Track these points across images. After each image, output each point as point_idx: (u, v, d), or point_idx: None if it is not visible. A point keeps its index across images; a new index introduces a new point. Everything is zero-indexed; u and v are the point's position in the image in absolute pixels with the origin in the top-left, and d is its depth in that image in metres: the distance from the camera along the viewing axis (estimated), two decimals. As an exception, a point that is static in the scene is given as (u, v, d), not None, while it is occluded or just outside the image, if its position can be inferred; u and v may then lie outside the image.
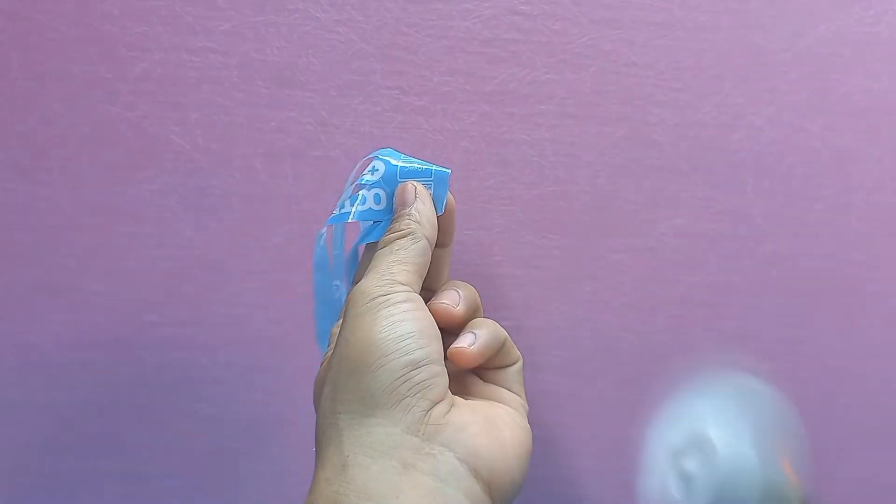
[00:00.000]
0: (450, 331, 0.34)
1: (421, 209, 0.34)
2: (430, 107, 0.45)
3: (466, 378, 0.35)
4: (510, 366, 0.35)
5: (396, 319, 0.30)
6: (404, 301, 0.31)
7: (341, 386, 0.30)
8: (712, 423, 0.27)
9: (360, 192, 0.35)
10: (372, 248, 0.35)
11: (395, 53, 0.45)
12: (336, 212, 0.35)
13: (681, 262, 0.46)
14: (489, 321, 0.35)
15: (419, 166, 0.35)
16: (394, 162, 0.35)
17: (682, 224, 0.46)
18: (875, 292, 0.47)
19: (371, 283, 0.32)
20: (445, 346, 0.33)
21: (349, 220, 0.35)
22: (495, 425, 0.31)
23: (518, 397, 0.35)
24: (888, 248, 0.47)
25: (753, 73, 0.45)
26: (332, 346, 0.33)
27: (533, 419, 0.35)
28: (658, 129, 0.45)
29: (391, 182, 0.35)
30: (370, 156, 0.36)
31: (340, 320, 0.33)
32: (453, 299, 0.34)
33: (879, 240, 0.46)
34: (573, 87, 0.45)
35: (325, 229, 0.37)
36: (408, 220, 0.34)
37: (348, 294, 0.33)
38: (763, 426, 0.26)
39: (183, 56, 0.45)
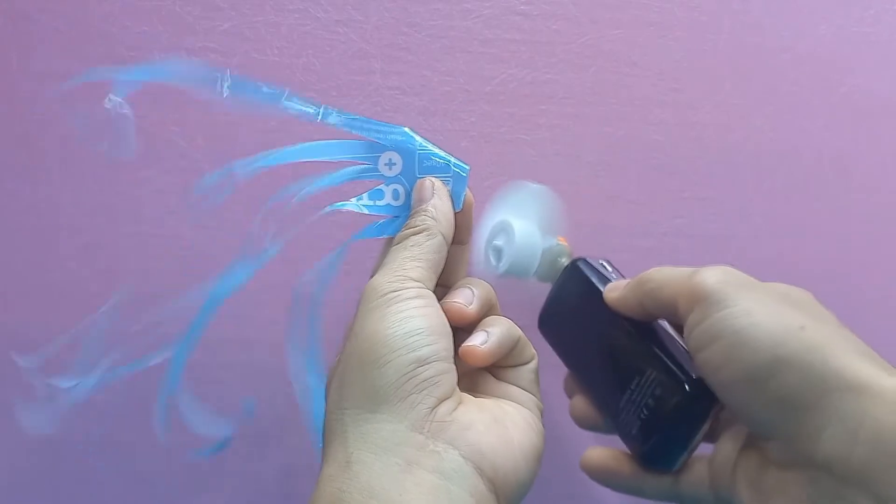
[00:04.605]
0: (464, 328, 0.34)
1: (438, 205, 0.34)
2: (430, 107, 0.45)
3: (480, 376, 0.35)
4: (524, 364, 0.35)
5: (406, 315, 0.30)
6: (415, 297, 0.31)
7: (348, 381, 0.30)
8: (512, 215, 0.41)
9: (380, 187, 0.35)
10: (390, 244, 0.34)
11: (395, 53, 0.45)
12: (354, 202, 0.35)
13: (681, 261, 0.46)
14: (503, 319, 0.34)
15: (438, 161, 0.35)
16: (413, 135, 0.35)
17: (682, 224, 0.46)
18: (875, 292, 0.47)
19: (383, 278, 0.31)
20: (459, 344, 0.33)
21: (367, 213, 0.35)
22: (503, 424, 0.31)
23: (532, 396, 0.34)
24: (888, 248, 0.46)
25: (753, 73, 0.45)
26: (344, 340, 0.33)
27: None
28: (658, 129, 0.45)
29: (410, 178, 0.35)
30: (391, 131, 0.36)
31: None
32: (466, 298, 0.34)
33: (879, 240, 0.46)
34: (573, 87, 0.45)
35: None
36: (424, 217, 0.33)
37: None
38: (544, 217, 0.41)
39: (183, 56, 0.44)
